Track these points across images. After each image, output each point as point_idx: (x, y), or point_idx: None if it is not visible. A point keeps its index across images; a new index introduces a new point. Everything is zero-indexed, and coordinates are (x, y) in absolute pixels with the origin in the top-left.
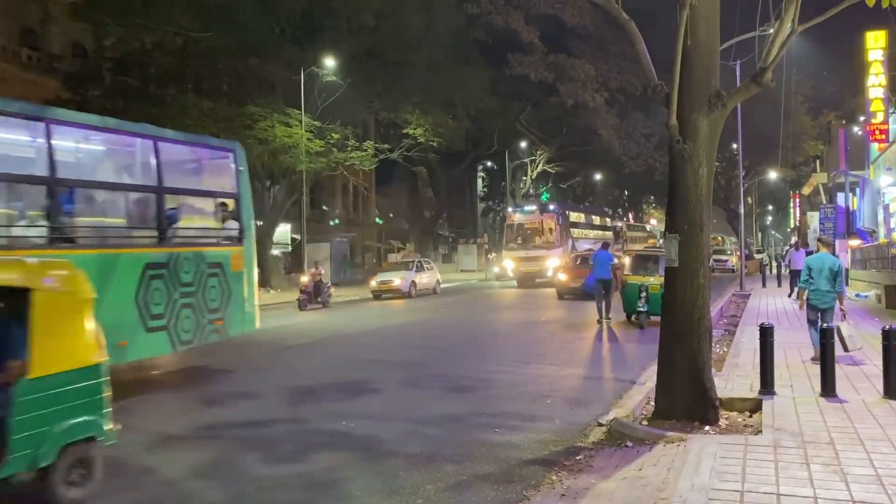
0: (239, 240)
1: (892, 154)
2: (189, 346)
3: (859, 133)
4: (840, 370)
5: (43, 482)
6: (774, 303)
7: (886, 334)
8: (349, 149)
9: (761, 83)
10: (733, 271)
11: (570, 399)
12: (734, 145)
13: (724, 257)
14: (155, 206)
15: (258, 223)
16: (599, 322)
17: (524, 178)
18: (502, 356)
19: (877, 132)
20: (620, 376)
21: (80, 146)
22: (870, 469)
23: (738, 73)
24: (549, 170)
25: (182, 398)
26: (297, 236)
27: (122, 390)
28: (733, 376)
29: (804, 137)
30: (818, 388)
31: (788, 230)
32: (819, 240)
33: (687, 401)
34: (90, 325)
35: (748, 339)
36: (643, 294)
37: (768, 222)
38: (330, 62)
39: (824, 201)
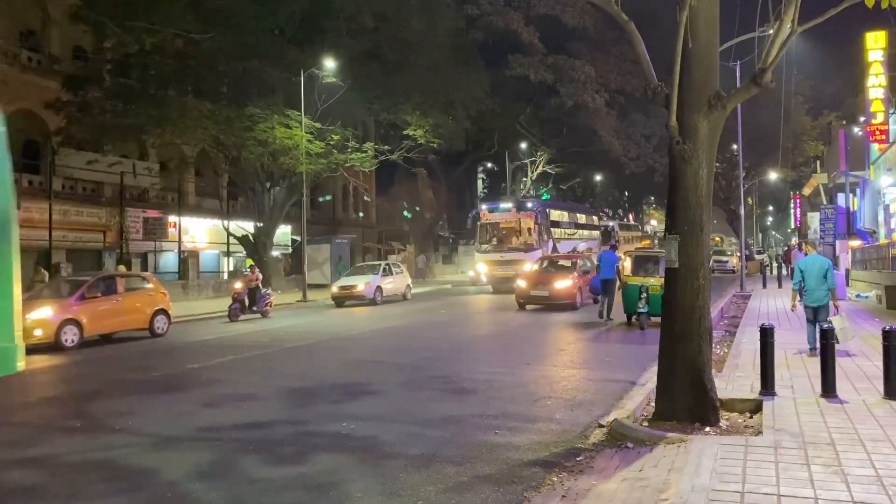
0: None
1: (893, 154)
2: None
3: (859, 133)
4: (840, 370)
5: None
6: (775, 304)
7: (887, 335)
8: (349, 150)
9: (761, 84)
10: (734, 272)
11: (571, 400)
12: (734, 146)
13: (724, 258)
14: None
15: (258, 224)
16: (602, 319)
17: (524, 179)
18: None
19: (877, 132)
20: (621, 377)
21: None
22: (870, 470)
23: (738, 73)
24: (550, 171)
25: (182, 399)
26: (298, 237)
27: (122, 390)
28: (734, 377)
29: (804, 138)
30: (818, 389)
31: (789, 231)
32: (806, 242)
33: (687, 402)
34: None
35: (748, 340)
36: (643, 295)
37: (769, 223)
38: (330, 64)
39: (825, 202)
